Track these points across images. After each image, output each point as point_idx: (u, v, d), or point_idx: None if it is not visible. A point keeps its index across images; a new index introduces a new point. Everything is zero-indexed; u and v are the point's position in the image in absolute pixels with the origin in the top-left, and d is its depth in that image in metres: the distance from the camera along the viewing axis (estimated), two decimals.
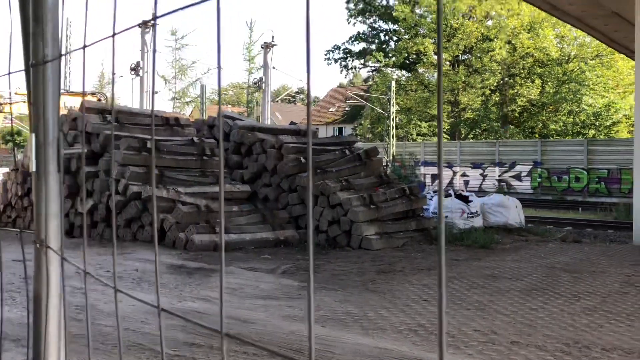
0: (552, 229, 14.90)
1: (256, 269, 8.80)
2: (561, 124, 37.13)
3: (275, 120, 58.24)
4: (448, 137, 41.86)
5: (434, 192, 15.24)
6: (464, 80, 37.93)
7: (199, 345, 4.76)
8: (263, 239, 11.06)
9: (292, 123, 16.15)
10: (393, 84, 36.06)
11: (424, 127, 41.93)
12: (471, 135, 40.75)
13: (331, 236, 11.43)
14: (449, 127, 41.00)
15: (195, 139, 12.93)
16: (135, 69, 25.20)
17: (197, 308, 6.05)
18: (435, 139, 42.10)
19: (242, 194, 12.23)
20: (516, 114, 38.45)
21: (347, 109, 54.31)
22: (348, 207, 11.34)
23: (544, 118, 37.38)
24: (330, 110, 56.34)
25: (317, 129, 18.86)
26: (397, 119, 39.45)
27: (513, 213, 13.99)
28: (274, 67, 29.90)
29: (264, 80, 30.43)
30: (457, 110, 40.49)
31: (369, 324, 5.75)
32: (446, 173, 31.26)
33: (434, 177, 31.66)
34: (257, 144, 12.93)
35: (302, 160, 12.36)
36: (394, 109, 35.08)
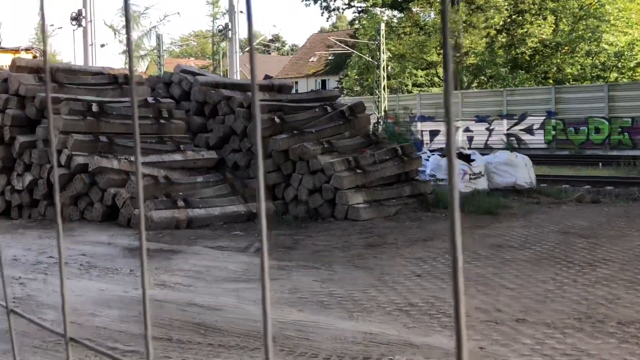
0: (568, 189, 15.06)
1: (225, 247, 8.82)
2: (578, 66, 37.20)
3: (245, 74, 57.74)
4: None
5: (431, 151, 15.28)
6: (465, 20, 37.74)
7: (156, 339, 4.77)
8: (234, 213, 11.05)
9: (266, 77, 16.01)
10: (383, 26, 35.78)
11: (420, 76, 41.83)
12: (475, 84, 40.74)
13: (312, 207, 11.45)
14: None
15: (149, 99, 12.79)
16: (76, 18, 24.67)
17: (155, 295, 6.06)
18: (434, 89, 42.11)
19: (207, 161, 12.18)
20: (526, 57, 38.45)
21: (330, 58, 53.93)
22: (331, 173, 11.35)
23: (558, 61, 37.43)
24: (310, 60, 55.95)
25: (294, 83, 18.77)
26: (388, 67, 39.29)
27: (522, 172, 14.09)
28: (241, 12, 29.44)
29: (230, 27, 30.02)
30: (457, 55, 40.34)
31: (353, 306, 5.81)
32: (444, 129, 31.34)
33: (433, 134, 31.77)
34: (223, 102, 12.82)
35: (277, 120, 12.29)
36: (384, 56, 34.89)
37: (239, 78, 27.57)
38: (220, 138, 12.74)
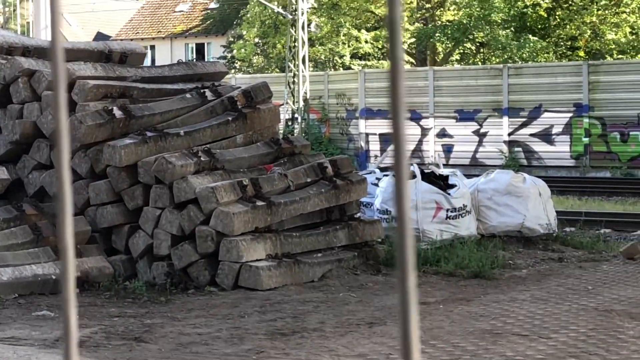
0: (609, 236, 15.44)
1: (21, 339, 8.61)
2: (627, 30, 38.50)
3: (65, 32, 57.03)
4: (412, 62, 42.47)
5: (383, 169, 15.44)
6: None
7: None
8: (37, 278, 10.83)
9: (99, 36, 15.94)
10: None
11: (366, 41, 42.33)
12: (456, 56, 41.53)
13: (179, 266, 11.36)
14: (412, 39, 41.58)
15: None
16: None
17: None
18: (387, 64, 42.65)
19: None
20: (541, 13, 39.59)
21: (212, 6, 54.02)
22: (212, 206, 11.30)
23: (594, 19, 38.68)
24: (178, 10, 55.94)
25: (149, 48, 18.58)
26: (311, 25, 39.61)
27: (534, 207, 14.38)
28: None
29: None
30: (427, 5, 41.16)
31: None
32: (407, 131, 31.71)
33: (385, 140, 32.12)
34: (22, 81, 12.60)
35: (119, 113, 12.16)
36: (305, 5, 35.24)
37: (49, 37, 27.01)
38: (14, 144, 12.50)
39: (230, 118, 12.99)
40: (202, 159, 12.01)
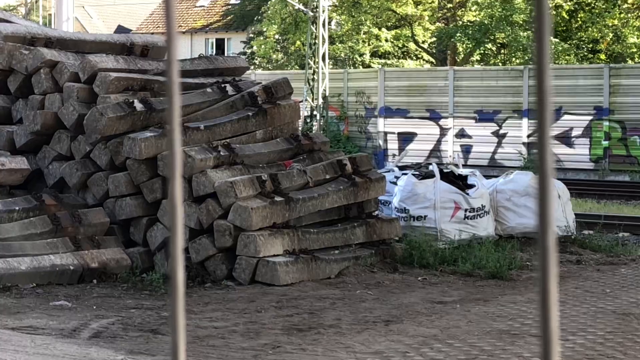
0: (629, 240, 15.40)
1: (40, 329, 8.64)
2: None
3: (85, 24, 57.25)
4: (432, 61, 42.46)
5: (402, 168, 15.44)
6: None
7: None
8: (56, 269, 10.88)
9: (120, 29, 15.99)
10: None
11: (386, 40, 42.33)
12: (476, 56, 41.49)
13: (196, 260, 11.39)
14: (432, 39, 41.55)
15: None
16: None
17: None
18: (407, 62, 42.65)
19: (10, 175, 11.98)
20: (563, 15, 39.52)
21: (233, 1, 54.10)
22: (230, 201, 11.33)
23: (616, 22, 38.59)
24: (199, 5, 56.05)
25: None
26: (332, 23, 39.63)
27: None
28: None
29: None
30: (449, 5, 41.13)
31: None
32: (426, 131, 31.75)
33: (404, 138, 32.12)
34: (44, 72, 12.67)
35: (140, 106, 12.21)
36: (326, 2, 35.27)
37: (72, 29, 27.25)
38: (35, 134, 12.55)
39: (250, 113, 13.01)
40: (221, 153, 12.04)
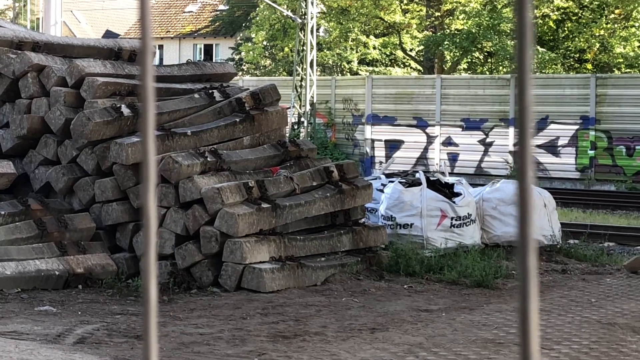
0: (613, 250, 15.43)
1: (24, 334, 8.61)
2: (635, 44, 38.53)
3: (74, 28, 57.14)
4: (419, 69, 42.52)
5: (388, 176, 15.44)
6: None
7: None
8: (41, 274, 10.86)
9: (108, 34, 15.97)
10: None
11: (374, 47, 42.39)
12: (464, 64, 41.56)
13: (182, 266, 11.37)
14: (420, 47, 41.62)
15: None
16: None
17: None
18: (395, 70, 42.68)
19: None
20: (551, 25, 39.63)
21: (221, 7, 54.09)
22: (216, 207, 11.31)
23: (602, 33, 38.71)
24: (187, 11, 56.05)
25: (158, 48, 18.67)
26: (320, 30, 39.68)
27: (539, 218, 14.35)
28: None
29: None
30: (436, 13, 41.21)
31: None
32: (413, 138, 31.77)
33: (391, 146, 32.13)
34: (31, 76, 12.64)
35: (127, 111, 12.19)
36: (314, 9, 35.29)
37: (60, 34, 27.22)
38: (22, 139, 12.52)
39: (237, 119, 13.00)
40: (208, 159, 12.02)
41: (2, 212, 11.45)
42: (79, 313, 9.78)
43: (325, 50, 41.46)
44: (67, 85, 12.52)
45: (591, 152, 29.14)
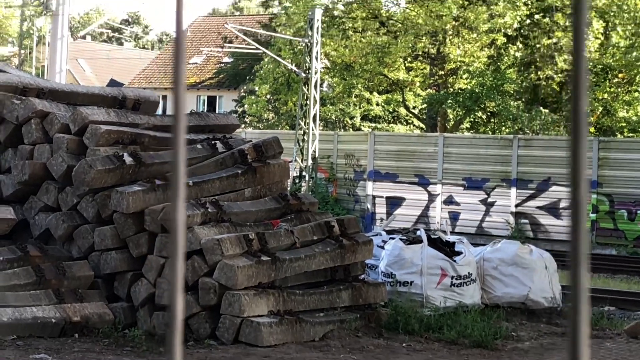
0: (614, 314, 15.35)
1: None
2: (639, 109, 38.66)
3: (78, 77, 57.40)
4: (422, 127, 42.63)
5: (389, 232, 15.42)
6: (455, 15, 38.90)
7: None
8: (38, 321, 10.82)
9: (112, 83, 16.05)
10: (318, 14, 36.47)
11: (377, 104, 42.54)
12: (466, 123, 41.66)
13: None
14: (423, 105, 41.78)
15: None
16: None
17: None
18: (398, 127, 42.79)
19: None
20: (554, 86, 39.79)
21: (226, 60, 54.36)
22: (216, 259, 11.29)
23: (606, 96, 38.86)
24: (192, 62, 56.30)
25: (161, 98, 18.80)
26: (323, 85, 39.82)
27: (540, 280, 14.34)
28: None
29: None
30: (440, 72, 41.40)
31: None
32: (414, 196, 31.78)
33: (392, 203, 32.12)
34: (34, 122, 12.71)
35: (129, 160, 12.20)
36: (318, 64, 35.46)
37: (64, 81, 27.31)
38: (23, 184, 12.54)
39: (239, 171, 13.02)
40: (209, 210, 12.02)
41: (1, 258, 11.45)
42: None
43: (328, 105, 41.57)
44: (70, 132, 12.57)
45: (593, 216, 29.09)
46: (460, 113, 40.15)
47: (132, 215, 11.76)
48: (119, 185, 12.00)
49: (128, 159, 12.24)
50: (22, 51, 44.21)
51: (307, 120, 33.98)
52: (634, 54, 37.48)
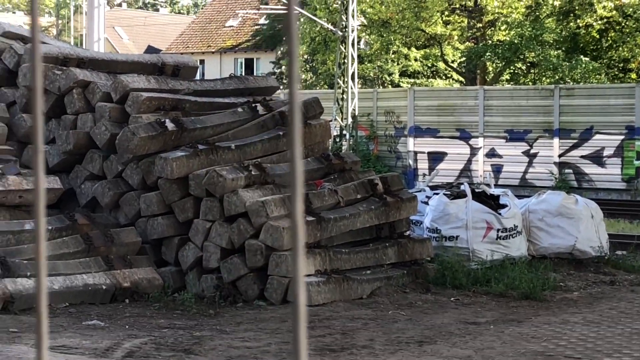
0: None
1: (73, 348, 8.66)
2: None
3: (116, 44, 57.61)
4: (462, 81, 42.45)
5: (433, 188, 15.42)
6: None
7: None
8: (89, 288, 10.96)
9: (150, 49, 16.13)
10: None
11: (415, 59, 42.37)
12: (506, 75, 41.43)
13: (228, 279, 11.41)
14: (462, 58, 41.56)
15: None
16: None
17: None
18: (437, 82, 42.64)
19: (44, 194, 12.02)
20: (594, 34, 39.43)
21: (262, 22, 54.31)
22: (262, 220, 11.34)
23: None
24: (228, 25, 56.33)
25: (199, 62, 18.80)
26: (361, 43, 39.73)
27: (586, 229, 14.29)
28: None
29: None
30: (478, 25, 41.14)
31: None
32: (456, 150, 31.72)
33: (435, 158, 32.06)
34: (76, 92, 12.78)
35: (171, 126, 12.27)
36: (355, 22, 35.33)
37: (102, 50, 27.42)
38: (68, 154, 12.66)
39: (281, 133, 13.03)
40: (252, 173, 12.06)
41: (50, 227, 11.55)
42: (127, 327, 9.84)
43: (366, 63, 41.47)
44: (112, 100, 12.64)
45: (637, 162, 28.88)
46: (500, 65, 39.92)
47: (176, 181, 11.84)
48: (162, 151, 12.07)
49: (170, 125, 12.31)
50: (60, 21, 44.47)
51: (346, 79, 33.92)
52: None
